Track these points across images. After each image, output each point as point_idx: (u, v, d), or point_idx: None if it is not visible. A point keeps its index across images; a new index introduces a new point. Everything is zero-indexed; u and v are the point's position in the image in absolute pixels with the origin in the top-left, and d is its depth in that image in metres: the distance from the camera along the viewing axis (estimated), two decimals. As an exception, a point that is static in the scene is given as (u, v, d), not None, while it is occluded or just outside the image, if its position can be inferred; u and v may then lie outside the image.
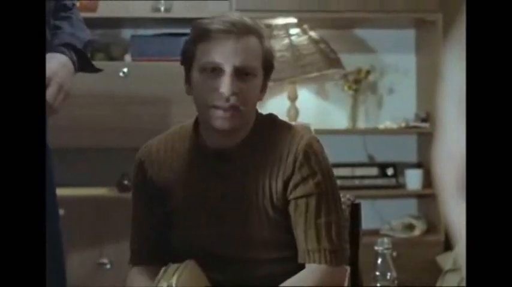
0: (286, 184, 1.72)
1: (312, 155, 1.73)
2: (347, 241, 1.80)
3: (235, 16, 1.74)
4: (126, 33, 3.62)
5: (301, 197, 1.72)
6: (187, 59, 1.73)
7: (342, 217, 1.78)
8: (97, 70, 1.91)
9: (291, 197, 1.73)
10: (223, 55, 1.68)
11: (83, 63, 1.84)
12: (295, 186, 1.72)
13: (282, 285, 1.70)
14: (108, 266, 3.28)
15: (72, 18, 1.87)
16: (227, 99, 1.66)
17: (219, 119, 1.68)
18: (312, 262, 1.72)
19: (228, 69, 1.68)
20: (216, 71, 1.68)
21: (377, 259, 1.55)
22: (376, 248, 1.55)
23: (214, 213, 1.75)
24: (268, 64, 1.76)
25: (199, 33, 1.71)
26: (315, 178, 1.72)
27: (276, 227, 1.74)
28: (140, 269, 1.82)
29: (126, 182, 3.32)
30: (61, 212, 1.95)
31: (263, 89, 1.77)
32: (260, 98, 1.77)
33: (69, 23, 1.85)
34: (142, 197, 1.83)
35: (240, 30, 1.70)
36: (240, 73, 1.68)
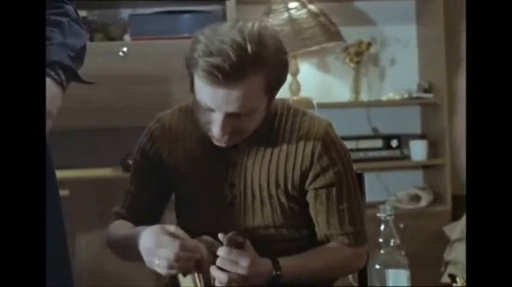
0: (304, 175, 1.69)
1: (331, 144, 1.69)
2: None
3: (236, 39, 1.51)
4: (125, 13, 3.60)
5: (322, 187, 1.69)
6: (188, 70, 1.60)
7: (361, 199, 1.76)
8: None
9: (310, 187, 1.70)
10: (215, 102, 1.56)
11: (74, 76, 1.69)
12: (315, 177, 1.68)
13: (306, 252, 1.69)
14: (115, 246, 3.28)
15: (63, 23, 1.70)
16: (221, 137, 1.61)
17: (217, 141, 1.64)
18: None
19: (220, 114, 1.57)
20: (210, 109, 1.58)
21: (380, 226, 1.55)
22: (378, 215, 1.54)
23: (222, 200, 1.72)
24: (276, 84, 1.62)
25: (194, 61, 1.55)
26: (335, 167, 1.69)
27: (289, 213, 1.72)
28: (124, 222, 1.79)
29: (130, 161, 3.31)
30: (66, 193, 1.95)
31: (269, 103, 1.65)
32: (267, 109, 1.66)
33: (60, 29, 1.69)
34: (148, 171, 1.80)
35: (235, 72, 1.50)
36: (236, 115, 1.58)
